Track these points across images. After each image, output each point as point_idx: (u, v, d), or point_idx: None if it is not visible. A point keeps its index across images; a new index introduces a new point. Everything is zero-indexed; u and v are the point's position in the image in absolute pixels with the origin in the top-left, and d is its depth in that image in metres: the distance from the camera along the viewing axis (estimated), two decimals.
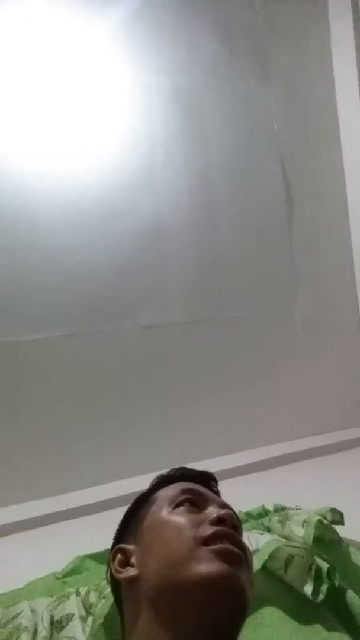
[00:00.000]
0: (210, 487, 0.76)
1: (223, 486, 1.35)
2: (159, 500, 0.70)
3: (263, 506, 1.19)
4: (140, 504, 0.74)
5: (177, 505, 0.67)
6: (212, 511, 0.66)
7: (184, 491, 0.69)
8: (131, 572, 0.64)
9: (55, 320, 1.52)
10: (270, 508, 1.19)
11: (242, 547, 0.62)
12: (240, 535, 0.66)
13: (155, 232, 1.66)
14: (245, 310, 1.80)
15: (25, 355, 1.47)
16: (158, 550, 0.62)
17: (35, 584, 0.96)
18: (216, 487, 0.78)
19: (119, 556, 0.68)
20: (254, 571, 0.81)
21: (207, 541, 0.60)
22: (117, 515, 0.78)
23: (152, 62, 1.71)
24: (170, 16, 1.74)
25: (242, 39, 1.86)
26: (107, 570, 0.74)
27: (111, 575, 0.69)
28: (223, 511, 0.65)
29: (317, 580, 0.85)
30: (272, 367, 1.81)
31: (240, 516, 1.17)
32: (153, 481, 0.78)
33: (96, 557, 1.01)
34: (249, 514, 1.18)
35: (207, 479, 0.78)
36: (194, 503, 0.68)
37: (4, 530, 1.23)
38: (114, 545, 0.73)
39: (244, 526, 1.08)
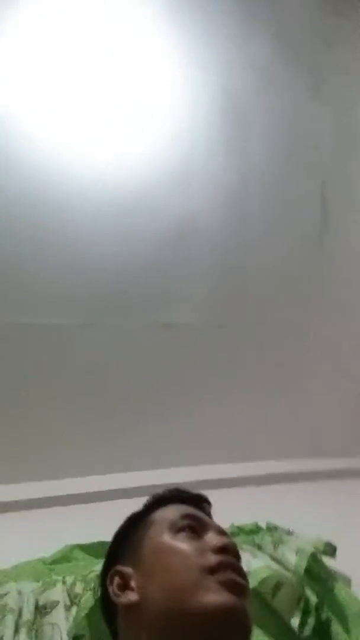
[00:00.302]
0: (203, 510, 0.77)
1: (217, 495, 1.35)
2: (157, 522, 0.70)
3: (256, 523, 1.19)
4: (135, 524, 0.74)
5: (178, 531, 0.67)
6: (213, 538, 0.66)
7: (184, 516, 0.69)
8: (132, 596, 0.62)
9: (73, 308, 1.52)
10: (263, 526, 1.19)
11: (245, 576, 0.63)
12: (240, 561, 0.66)
13: (184, 233, 1.65)
14: (264, 321, 1.79)
15: (37, 339, 1.47)
16: (162, 577, 0.61)
17: (22, 566, 0.97)
18: (209, 510, 0.79)
19: (116, 579, 0.66)
20: None
21: (212, 570, 0.60)
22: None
23: (204, 60, 1.69)
24: (227, 15, 1.72)
25: (298, 49, 1.84)
26: (98, 589, 0.73)
27: (106, 597, 0.68)
28: (226, 540, 0.66)
29: (305, 613, 0.85)
30: (283, 381, 1.80)
31: (232, 529, 1.17)
32: (147, 501, 0.78)
33: (86, 548, 1.02)
34: (240, 529, 1.18)
35: (201, 502, 0.79)
36: (194, 529, 0.67)
37: None
38: (108, 566, 0.71)
39: (235, 540, 1.09)
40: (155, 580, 0.62)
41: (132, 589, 0.63)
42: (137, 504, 0.77)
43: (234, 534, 1.15)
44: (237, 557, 0.66)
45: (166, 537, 0.66)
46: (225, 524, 1.14)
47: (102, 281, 1.54)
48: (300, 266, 1.85)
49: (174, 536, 0.66)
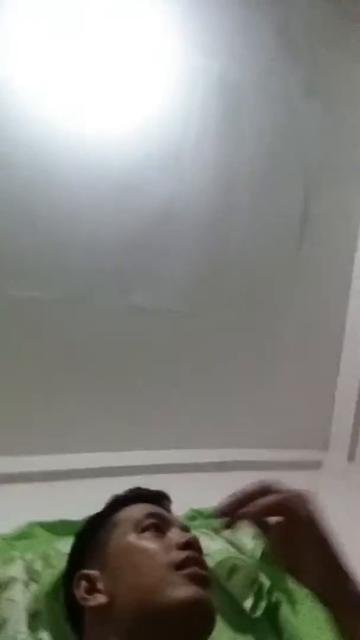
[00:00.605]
0: (164, 507, 0.78)
1: (179, 479, 1.38)
2: (121, 523, 0.71)
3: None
4: (98, 526, 0.74)
5: (143, 530, 0.68)
6: (176, 534, 0.68)
7: (148, 515, 0.70)
8: (100, 599, 0.63)
9: (54, 282, 1.51)
10: None
11: (207, 568, 0.66)
12: (202, 554, 0.69)
13: (169, 215, 1.65)
14: (240, 313, 1.82)
15: (18, 311, 1.46)
16: (131, 577, 0.63)
17: None
18: (169, 506, 0.81)
19: (83, 582, 0.66)
20: None
21: (178, 566, 0.62)
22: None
23: (204, 45, 1.67)
24: (232, 2, 1.72)
25: (300, 44, 1.83)
26: (63, 593, 0.73)
27: (71, 601, 0.68)
28: (189, 536, 0.68)
29: (257, 596, 0.88)
30: (251, 373, 1.85)
31: (191, 513, 1.20)
32: (108, 502, 0.78)
33: (47, 526, 1.01)
34: (199, 512, 1.20)
35: (162, 499, 0.80)
36: (158, 527, 0.69)
37: None
38: (72, 569, 0.71)
39: (193, 524, 1.12)
40: (123, 580, 0.63)
41: (100, 592, 0.64)
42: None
43: (192, 518, 1.18)
44: (200, 551, 0.68)
45: (132, 537, 0.68)
46: (185, 508, 1.18)
47: (85, 257, 1.54)
48: (279, 262, 1.89)
49: (139, 535, 0.68)
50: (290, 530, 0.56)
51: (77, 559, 0.73)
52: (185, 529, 0.73)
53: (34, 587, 0.82)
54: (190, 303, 1.73)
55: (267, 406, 1.85)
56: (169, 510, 0.79)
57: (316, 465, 1.83)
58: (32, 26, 1.41)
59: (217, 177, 1.74)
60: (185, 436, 1.70)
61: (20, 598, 0.78)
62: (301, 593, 0.94)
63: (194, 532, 0.96)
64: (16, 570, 0.85)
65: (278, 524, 0.58)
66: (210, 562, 0.91)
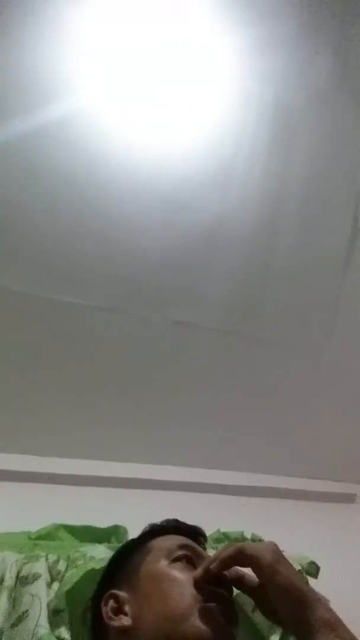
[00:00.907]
0: (199, 543, 0.79)
1: (209, 499, 1.36)
2: (154, 550, 0.71)
3: (242, 533, 1.19)
4: (132, 551, 0.75)
5: (175, 560, 0.68)
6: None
7: (181, 546, 0.71)
8: (125, 621, 0.64)
9: (91, 290, 1.53)
10: (248, 537, 1.19)
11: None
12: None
13: (212, 235, 1.66)
14: (277, 335, 1.78)
15: (53, 315, 1.48)
16: (157, 604, 0.63)
17: (7, 537, 0.98)
18: (204, 544, 0.81)
19: (111, 602, 0.67)
20: None
21: (206, 600, 0.62)
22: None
23: (259, 69, 1.68)
24: (289, 25, 1.71)
25: (356, 74, 1.83)
26: (90, 611, 0.74)
27: (97, 619, 0.69)
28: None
29: (285, 632, 0.84)
30: (286, 398, 1.80)
31: (218, 535, 1.17)
32: (145, 529, 0.80)
33: (71, 530, 1.02)
34: (226, 535, 1.18)
35: (197, 535, 0.81)
36: (190, 559, 0.69)
37: None
38: (103, 588, 0.72)
39: (220, 545, 1.09)
40: (150, 606, 0.63)
41: (125, 614, 0.65)
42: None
43: (219, 540, 1.16)
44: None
45: (163, 564, 0.68)
46: (212, 528, 1.16)
47: (128, 268, 1.55)
48: (323, 288, 1.85)
49: (170, 564, 0.68)
50: (259, 577, 0.61)
51: (109, 580, 0.73)
52: None
53: (56, 585, 0.82)
54: (231, 321, 1.71)
55: (303, 434, 1.80)
56: (203, 547, 0.79)
57: (350, 498, 1.76)
58: (91, 44, 1.47)
59: (265, 198, 1.73)
60: (219, 456, 1.66)
61: (43, 594, 0.79)
62: None
63: None
64: (40, 567, 0.86)
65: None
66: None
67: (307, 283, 1.83)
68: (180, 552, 0.69)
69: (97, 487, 1.24)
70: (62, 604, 0.79)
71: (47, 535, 1.01)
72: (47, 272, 1.47)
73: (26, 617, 0.76)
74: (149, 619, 0.62)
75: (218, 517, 1.20)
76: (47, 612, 0.76)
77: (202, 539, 0.82)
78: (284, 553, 1.05)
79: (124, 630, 0.63)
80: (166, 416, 1.62)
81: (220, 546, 1.10)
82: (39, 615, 0.75)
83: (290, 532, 1.23)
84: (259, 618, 0.87)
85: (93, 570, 0.81)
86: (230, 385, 1.73)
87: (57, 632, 0.74)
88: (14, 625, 0.75)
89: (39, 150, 1.42)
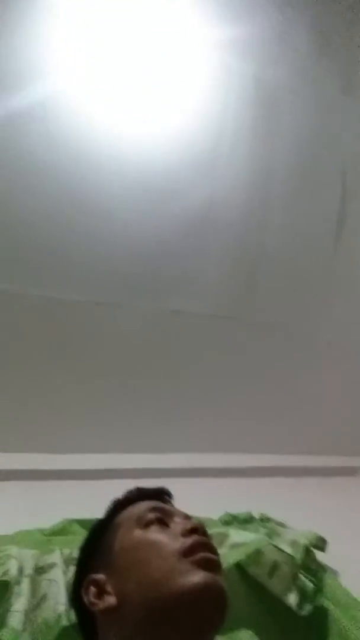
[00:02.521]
0: (165, 502, 0.77)
1: (213, 484, 1.38)
2: (124, 522, 0.70)
3: (250, 513, 1.22)
4: (101, 531, 0.73)
5: (147, 525, 0.67)
6: (181, 523, 0.67)
7: (150, 509, 0.69)
8: (110, 600, 0.61)
9: (86, 285, 1.52)
10: (257, 516, 1.22)
11: (216, 552, 0.64)
12: (210, 539, 0.67)
13: (203, 219, 1.65)
14: (275, 316, 1.80)
15: (50, 312, 1.48)
16: (140, 571, 0.61)
17: (22, 535, 0.99)
18: (170, 501, 0.80)
19: (91, 588, 0.65)
20: (238, 560, 0.88)
21: (187, 552, 0.61)
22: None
23: (239, 47, 1.67)
24: (268, 2, 1.70)
25: (335, 44, 1.81)
26: (72, 601, 0.72)
27: (82, 610, 0.67)
28: (194, 521, 0.67)
29: (301, 595, 0.86)
30: (288, 378, 1.82)
31: (226, 517, 1.20)
32: (109, 506, 0.78)
33: (84, 523, 1.04)
34: (234, 517, 1.20)
35: (163, 495, 0.79)
36: (162, 520, 0.68)
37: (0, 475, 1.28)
38: (80, 577, 0.70)
39: (229, 527, 1.12)
40: (132, 576, 0.61)
41: (109, 593, 0.63)
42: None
43: (228, 522, 1.18)
44: (206, 535, 0.66)
45: (137, 532, 0.66)
46: (220, 512, 1.19)
47: (119, 260, 1.55)
48: (316, 265, 1.86)
49: (143, 530, 0.66)
50: None
51: (84, 567, 0.72)
52: (187, 517, 0.71)
53: (72, 569, 0.84)
54: (227, 306, 1.72)
55: (302, 412, 1.83)
56: (170, 505, 0.78)
57: (352, 471, 1.79)
58: (72, 34, 1.44)
59: (253, 179, 1.73)
60: (222, 440, 1.69)
61: (60, 578, 0.81)
62: (343, 600, 0.92)
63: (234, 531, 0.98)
64: (55, 558, 0.88)
65: None
66: (247, 549, 0.91)
67: (300, 262, 1.83)
68: (150, 516, 0.68)
69: (105, 479, 1.25)
70: None
71: (60, 531, 1.03)
72: (40, 271, 1.46)
73: (45, 599, 0.79)
74: (134, 590, 0.60)
75: (225, 500, 1.23)
76: (65, 591, 0.78)
77: (168, 497, 0.80)
78: (290, 530, 1.08)
79: (111, 610, 0.61)
80: (169, 404, 1.64)
81: (230, 528, 1.13)
82: (58, 594, 0.77)
83: (296, 508, 1.26)
84: (276, 583, 0.89)
85: None
86: (230, 369, 1.74)
87: None
88: (36, 608, 0.78)
89: (17, 144, 1.39)
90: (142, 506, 0.71)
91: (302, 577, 0.90)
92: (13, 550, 0.87)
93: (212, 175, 1.66)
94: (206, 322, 1.69)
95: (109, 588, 0.63)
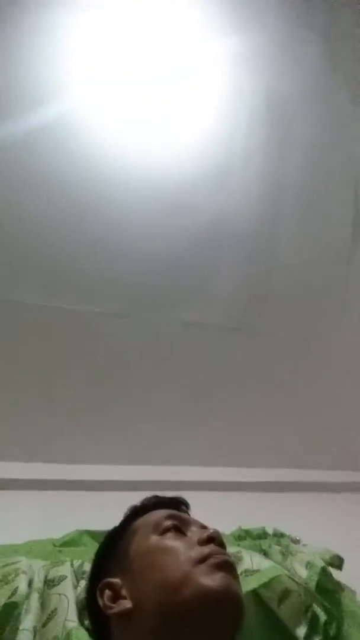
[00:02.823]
0: (182, 512, 0.77)
1: (226, 498, 1.36)
2: (141, 528, 0.70)
3: (264, 528, 1.20)
4: (118, 536, 0.74)
5: (163, 532, 0.67)
6: (197, 532, 0.67)
7: (167, 517, 0.70)
8: (125, 604, 0.62)
9: (98, 297, 1.53)
10: (270, 532, 1.20)
11: (230, 556, 0.64)
12: (225, 549, 0.68)
13: (214, 232, 1.66)
14: (285, 330, 1.78)
15: (61, 323, 1.49)
16: (156, 576, 0.61)
17: (33, 545, 0.99)
18: (187, 511, 0.80)
19: (106, 592, 0.65)
20: (250, 589, 0.85)
21: (202, 560, 0.61)
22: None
23: (251, 62, 1.68)
24: (278, 17, 1.70)
25: (348, 57, 1.81)
26: (87, 604, 0.72)
27: (96, 613, 0.67)
28: (210, 531, 0.67)
29: (311, 627, 0.84)
30: (296, 391, 1.80)
31: (239, 532, 1.18)
32: (127, 513, 0.79)
33: (95, 535, 1.03)
34: (248, 532, 1.18)
35: (179, 504, 0.80)
36: (178, 528, 0.68)
37: (11, 484, 1.28)
38: (95, 581, 0.70)
39: (242, 544, 1.10)
40: (149, 581, 0.62)
41: (124, 597, 0.63)
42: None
43: (241, 537, 1.16)
44: (223, 545, 0.67)
45: (153, 538, 0.67)
46: (233, 526, 1.17)
47: (131, 272, 1.56)
48: (328, 279, 1.84)
49: (160, 537, 0.67)
50: None
51: (99, 571, 0.72)
52: (204, 527, 0.71)
53: (82, 583, 0.83)
54: (238, 318, 1.71)
55: (316, 426, 1.79)
56: (187, 515, 0.78)
57: None
58: (85, 51, 1.47)
59: (265, 192, 1.73)
60: (234, 453, 1.66)
61: (70, 592, 0.80)
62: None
63: (248, 553, 0.96)
64: (66, 570, 0.87)
65: None
66: (261, 577, 0.88)
67: (311, 275, 1.82)
68: (167, 523, 0.68)
69: (116, 491, 1.25)
70: None
71: (71, 542, 1.02)
72: (52, 282, 1.48)
73: (55, 614, 0.77)
74: (149, 594, 0.60)
75: (238, 515, 1.21)
76: (75, 607, 0.77)
77: (185, 507, 0.80)
78: (306, 547, 1.06)
79: (126, 614, 0.61)
80: (182, 417, 1.63)
81: (243, 543, 1.11)
82: (67, 610, 0.76)
83: (311, 524, 1.24)
84: (284, 611, 0.87)
85: None
86: (241, 381, 1.73)
87: (87, 624, 0.74)
88: (45, 624, 0.76)
89: (32, 158, 1.42)
90: (160, 514, 0.72)
91: (315, 606, 0.88)
92: (23, 562, 0.86)
93: (224, 189, 1.67)
94: (217, 334, 1.68)
95: (124, 592, 0.63)
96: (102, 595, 0.65)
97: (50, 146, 1.44)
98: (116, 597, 0.64)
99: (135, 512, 0.77)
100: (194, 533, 0.68)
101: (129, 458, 1.50)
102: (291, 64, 1.74)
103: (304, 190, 1.79)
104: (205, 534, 0.66)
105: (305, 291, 1.81)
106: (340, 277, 1.86)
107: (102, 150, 1.50)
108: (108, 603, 0.64)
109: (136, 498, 0.80)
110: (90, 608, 0.70)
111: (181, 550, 0.63)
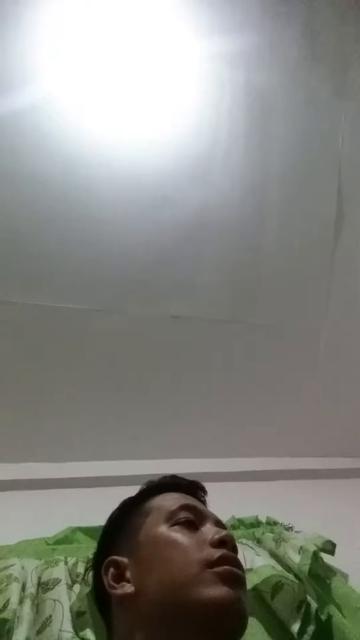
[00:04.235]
0: (198, 497, 0.76)
1: (218, 488, 1.36)
2: (154, 512, 0.69)
3: (257, 517, 1.20)
4: (130, 511, 0.72)
5: (176, 523, 0.66)
6: (211, 531, 0.66)
7: (182, 507, 0.68)
8: (128, 588, 0.61)
9: (85, 293, 1.52)
10: (263, 520, 1.21)
11: (241, 567, 0.63)
12: (237, 553, 0.66)
13: (199, 225, 1.65)
14: (273, 319, 1.78)
15: (50, 321, 1.48)
16: (161, 570, 0.60)
17: (26, 544, 0.98)
18: (204, 498, 0.78)
19: (111, 570, 0.65)
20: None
21: (212, 564, 0.60)
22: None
23: (230, 52, 1.67)
24: (258, 9, 1.70)
25: (327, 47, 1.81)
26: (90, 577, 0.72)
27: (99, 586, 0.67)
28: (224, 533, 0.65)
29: (305, 619, 0.84)
30: (288, 381, 1.81)
31: (233, 521, 1.19)
32: (142, 487, 0.77)
33: (87, 531, 1.03)
34: (241, 521, 1.19)
35: (197, 489, 0.78)
36: (192, 523, 0.67)
37: (3, 486, 1.27)
38: (102, 555, 0.70)
39: (236, 533, 1.10)
40: (153, 572, 0.61)
41: (127, 580, 0.62)
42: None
43: (234, 526, 1.17)
44: (235, 549, 0.66)
45: (164, 528, 0.65)
46: (226, 516, 1.17)
47: (116, 266, 1.55)
48: (314, 267, 1.85)
49: (171, 528, 0.65)
50: None
51: (108, 544, 0.71)
52: (219, 524, 0.70)
53: (77, 587, 0.83)
54: (226, 310, 1.71)
55: (306, 414, 1.81)
56: (204, 502, 0.77)
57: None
58: (65, 40, 1.45)
59: (248, 183, 1.73)
60: (226, 444, 1.67)
61: (65, 599, 0.79)
62: (352, 603, 0.90)
63: (241, 547, 0.96)
64: (60, 572, 0.87)
65: None
66: (256, 578, 0.89)
67: (297, 264, 1.83)
68: (181, 515, 0.67)
69: (109, 487, 1.24)
70: (85, 606, 0.79)
71: (64, 539, 1.02)
72: (35, 279, 1.46)
73: (50, 622, 0.76)
74: (152, 585, 0.60)
75: (231, 504, 1.21)
76: (70, 615, 0.76)
77: (202, 493, 0.78)
78: (299, 534, 1.06)
79: (127, 597, 0.61)
80: (172, 411, 1.63)
81: (237, 532, 1.11)
82: (62, 619, 0.75)
83: (304, 511, 1.25)
84: (278, 604, 0.88)
85: None
86: (231, 373, 1.73)
87: (81, 634, 0.74)
88: (39, 632, 0.75)
89: (8, 151, 1.40)
90: (175, 500, 0.70)
91: (308, 598, 0.88)
92: (16, 566, 0.85)
93: (207, 181, 1.66)
94: (206, 326, 1.68)
95: (128, 575, 0.63)
96: (106, 573, 0.65)
97: (28, 139, 1.42)
98: (120, 577, 0.64)
99: (151, 490, 0.75)
100: (207, 529, 0.66)
101: (119, 453, 1.49)
102: (271, 58, 1.74)
103: (287, 181, 1.79)
104: (217, 536, 0.64)
105: (291, 280, 1.81)
106: (324, 266, 1.86)
107: (81, 142, 1.48)
108: (112, 582, 0.64)
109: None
110: (94, 579, 0.71)
111: (191, 548, 0.62)
